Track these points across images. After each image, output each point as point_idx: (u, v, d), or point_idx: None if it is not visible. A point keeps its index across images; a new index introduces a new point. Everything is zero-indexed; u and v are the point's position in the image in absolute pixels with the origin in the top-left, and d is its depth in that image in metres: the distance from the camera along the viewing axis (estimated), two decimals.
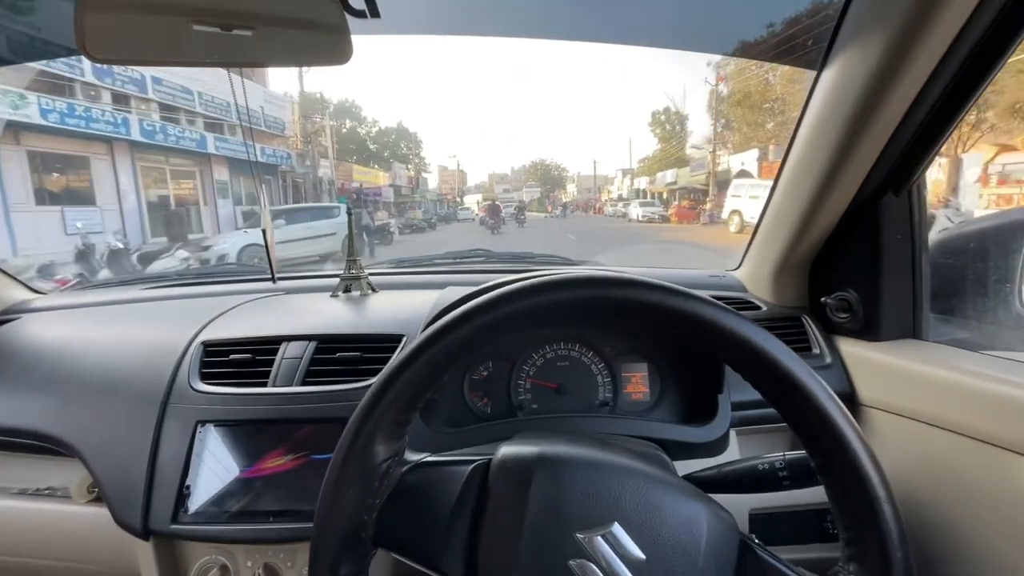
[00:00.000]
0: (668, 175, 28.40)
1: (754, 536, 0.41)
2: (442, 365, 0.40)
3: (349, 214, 1.10)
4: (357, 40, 0.66)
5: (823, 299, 0.84)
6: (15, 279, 1.12)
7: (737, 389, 0.77)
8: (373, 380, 0.40)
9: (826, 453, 0.38)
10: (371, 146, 32.62)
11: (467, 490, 0.40)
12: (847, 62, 0.65)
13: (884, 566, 0.36)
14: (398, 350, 0.79)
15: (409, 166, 30.98)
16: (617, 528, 0.37)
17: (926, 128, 0.65)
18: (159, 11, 0.62)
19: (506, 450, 0.41)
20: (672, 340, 0.83)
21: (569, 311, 0.40)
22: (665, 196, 27.87)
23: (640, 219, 21.56)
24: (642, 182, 36.01)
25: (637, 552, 0.37)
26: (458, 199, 46.43)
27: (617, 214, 27.99)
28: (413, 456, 0.44)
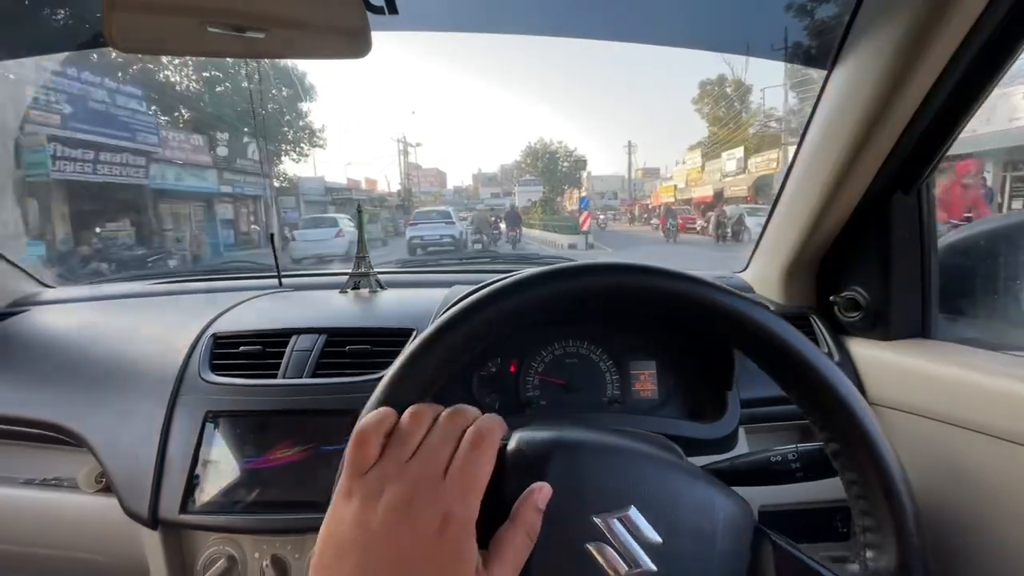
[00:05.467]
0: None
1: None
2: (473, 340, 0.40)
3: (359, 212, 1.11)
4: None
5: (832, 298, 0.84)
6: (24, 271, 1.12)
7: (746, 387, 0.77)
8: (383, 372, 0.40)
9: (842, 436, 0.39)
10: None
11: None
12: (858, 60, 0.66)
13: (901, 551, 0.36)
14: (411, 338, 0.79)
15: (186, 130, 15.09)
16: (634, 511, 0.37)
17: (936, 126, 0.65)
18: (174, 12, 0.63)
19: (522, 435, 0.40)
20: (680, 337, 0.84)
21: (602, 298, 0.40)
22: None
23: None
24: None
25: (654, 535, 0.36)
26: (404, 205, 29.07)
27: None
28: None
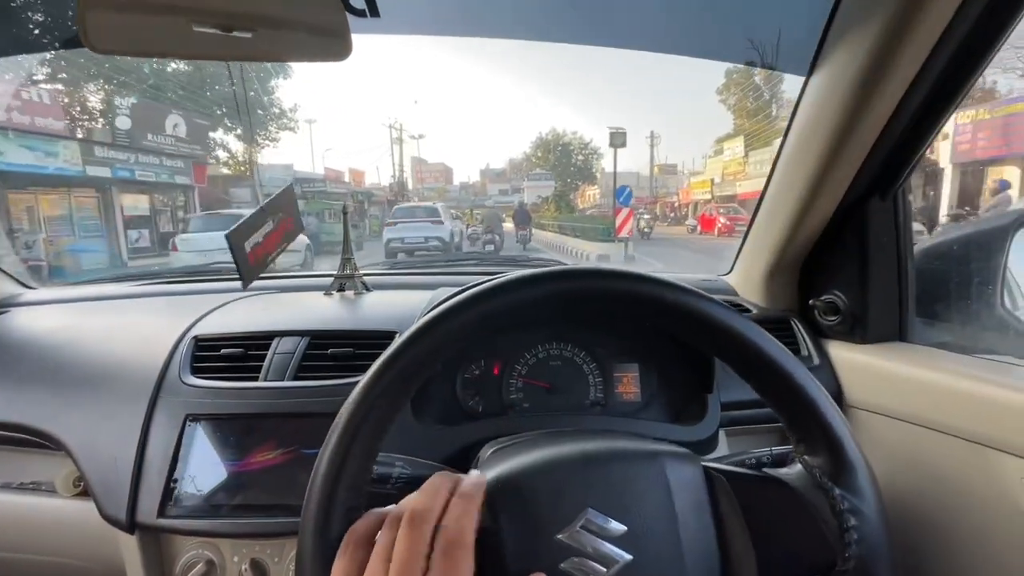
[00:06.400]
0: None
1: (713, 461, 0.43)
2: (438, 351, 0.40)
3: (345, 213, 1.10)
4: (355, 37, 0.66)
5: (811, 301, 0.85)
6: (5, 272, 1.11)
7: (727, 390, 0.78)
8: (364, 376, 0.40)
9: (811, 438, 0.40)
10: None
11: None
12: (833, 67, 0.67)
13: (829, 443, 0.38)
14: (396, 337, 0.79)
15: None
16: (591, 513, 0.37)
17: (910, 132, 0.66)
18: (158, 11, 0.63)
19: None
20: (662, 340, 0.84)
21: (567, 304, 0.40)
22: None
23: None
24: None
25: (617, 526, 0.37)
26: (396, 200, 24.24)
27: None
28: None
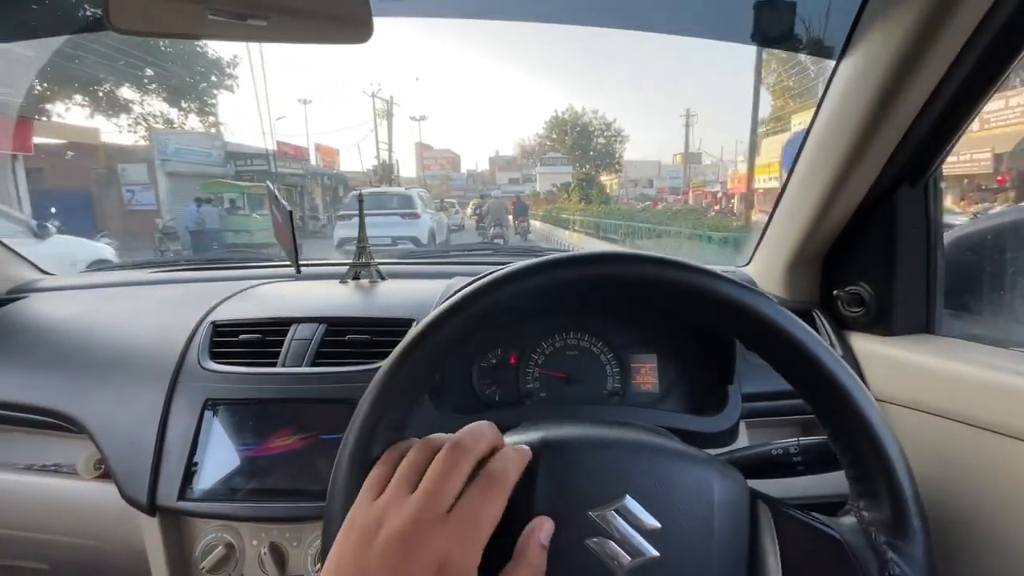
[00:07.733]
0: None
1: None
2: (458, 339, 0.39)
3: (360, 201, 1.10)
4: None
5: (835, 292, 0.83)
6: (23, 258, 1.12)
7: (747, 381, 0.77)
8: (382, 363, 0.39)
9: (841, 419, 0.38)
10: None
11: None
12: (867, 50, 0.65)
13: (894, 502, 0.36)
14: (414, 325, 0.79)
15: None
16: (629, 500, 0.36)
17: (945, 118, 0.64)
18: None
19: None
20: (681, 330, 0.83)
21: (610, 289, 0.39)
22: None
23: None
24: None
25: (652, 521, 0.36)
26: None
27: None
28: None
